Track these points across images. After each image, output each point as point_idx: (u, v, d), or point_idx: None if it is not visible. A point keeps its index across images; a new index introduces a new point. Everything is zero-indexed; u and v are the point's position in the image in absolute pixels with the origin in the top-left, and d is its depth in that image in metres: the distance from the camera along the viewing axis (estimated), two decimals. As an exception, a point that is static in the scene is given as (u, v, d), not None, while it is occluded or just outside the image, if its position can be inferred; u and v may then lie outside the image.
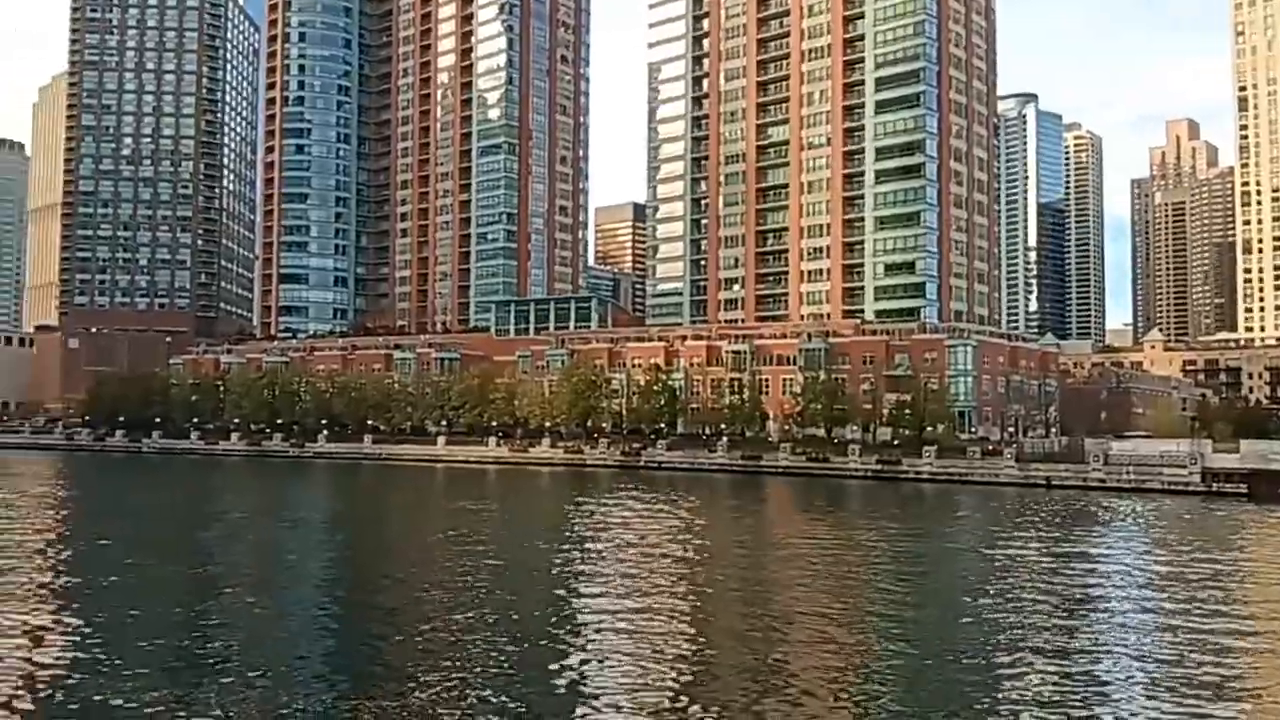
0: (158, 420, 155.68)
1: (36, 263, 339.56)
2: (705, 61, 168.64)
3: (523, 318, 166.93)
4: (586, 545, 41.28)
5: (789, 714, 16.79)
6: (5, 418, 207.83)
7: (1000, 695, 19.61)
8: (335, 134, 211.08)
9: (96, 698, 16.81)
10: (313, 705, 17.06)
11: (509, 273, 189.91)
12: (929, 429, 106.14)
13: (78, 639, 22.52)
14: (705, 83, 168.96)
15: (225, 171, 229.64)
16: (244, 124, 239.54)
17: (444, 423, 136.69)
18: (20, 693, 18.33)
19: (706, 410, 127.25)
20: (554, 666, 19.70)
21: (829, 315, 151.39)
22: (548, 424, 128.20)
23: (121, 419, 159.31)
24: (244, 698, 16.96)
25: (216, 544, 44.87)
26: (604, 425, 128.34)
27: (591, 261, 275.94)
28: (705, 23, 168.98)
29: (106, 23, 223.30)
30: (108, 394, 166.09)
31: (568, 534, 46.70)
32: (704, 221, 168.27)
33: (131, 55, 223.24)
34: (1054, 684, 20.69)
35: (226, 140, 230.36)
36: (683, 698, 17.92)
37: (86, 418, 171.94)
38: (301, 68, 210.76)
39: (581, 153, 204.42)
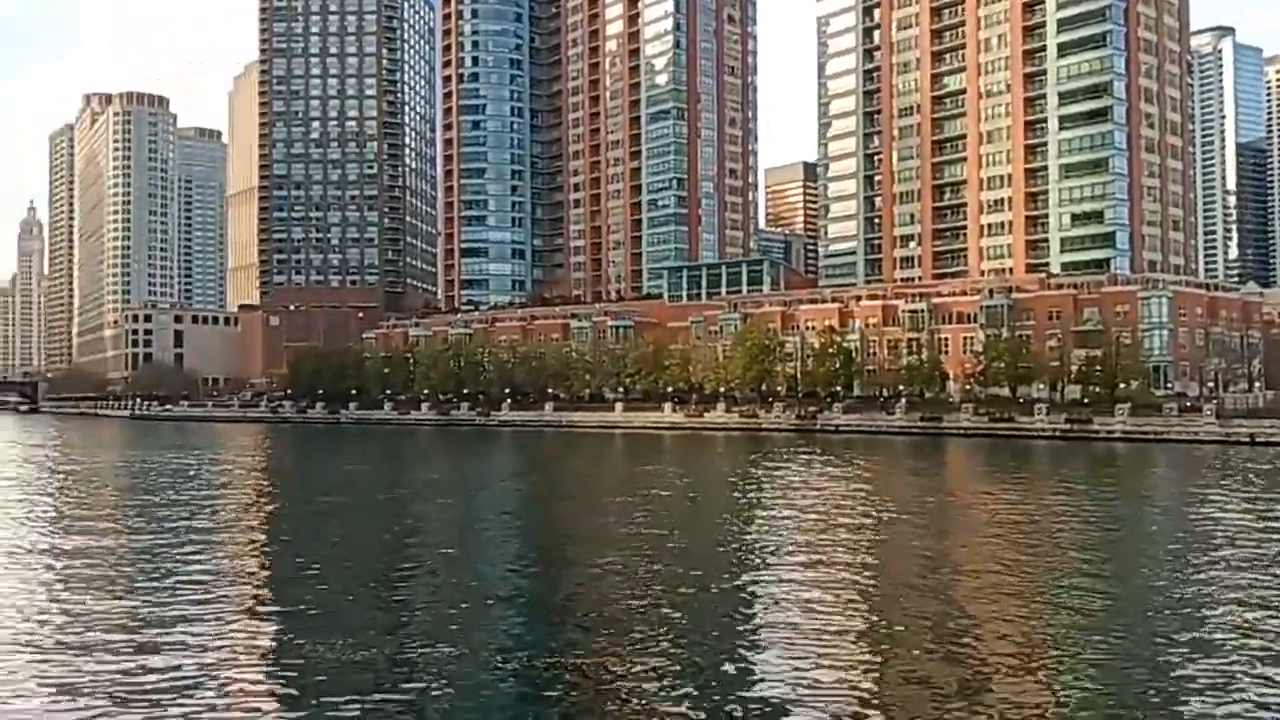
0: (354, 392, 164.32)
1: (237, 245, 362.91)
2: (876, 12, 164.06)
3: (694, 283, 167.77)
4: (764, 509, 41.18)
5: (982, 698, 16.36)
6: (216, 392, 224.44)
7: (1214, 689, 17.62)
8: (509, 108, 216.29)
9: (308, 651, 18.07)
10: (509, 663, 17.75)
11: (680, 238, 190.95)
12: (1121, 386, 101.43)
13: (295, 598, 24.10)
14: (876, 34, 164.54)
15: (407, 150, 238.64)
16: (423, 102, 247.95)
17: (620, 389, 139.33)
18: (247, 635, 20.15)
19: (883, 372, 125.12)
20: (734, 634, 19.79)
21: (1011, 270, 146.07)
22: (722, 389, 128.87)
23: (320, 391, 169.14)
24: (438, 658, 17.89)
25: (413, 507, 46.92)
26: (778, 389, 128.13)
27: (762, 224, 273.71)
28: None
29: (293, 11, 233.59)
30: (306, 368, 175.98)
31: (745, 498, 46.75)
32: (877, 178, 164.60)
33: (316, 40, 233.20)
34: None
35: (407, 119, 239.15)
36: (870, 674, 17.67)
37: (288, 391, 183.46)
38: (475, 44, 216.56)
39: (750, 114, 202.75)
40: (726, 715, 15.39)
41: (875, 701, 16.05)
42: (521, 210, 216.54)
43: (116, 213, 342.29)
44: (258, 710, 15.65)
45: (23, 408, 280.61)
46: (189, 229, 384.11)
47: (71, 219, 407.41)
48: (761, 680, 16.91)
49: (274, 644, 19.62)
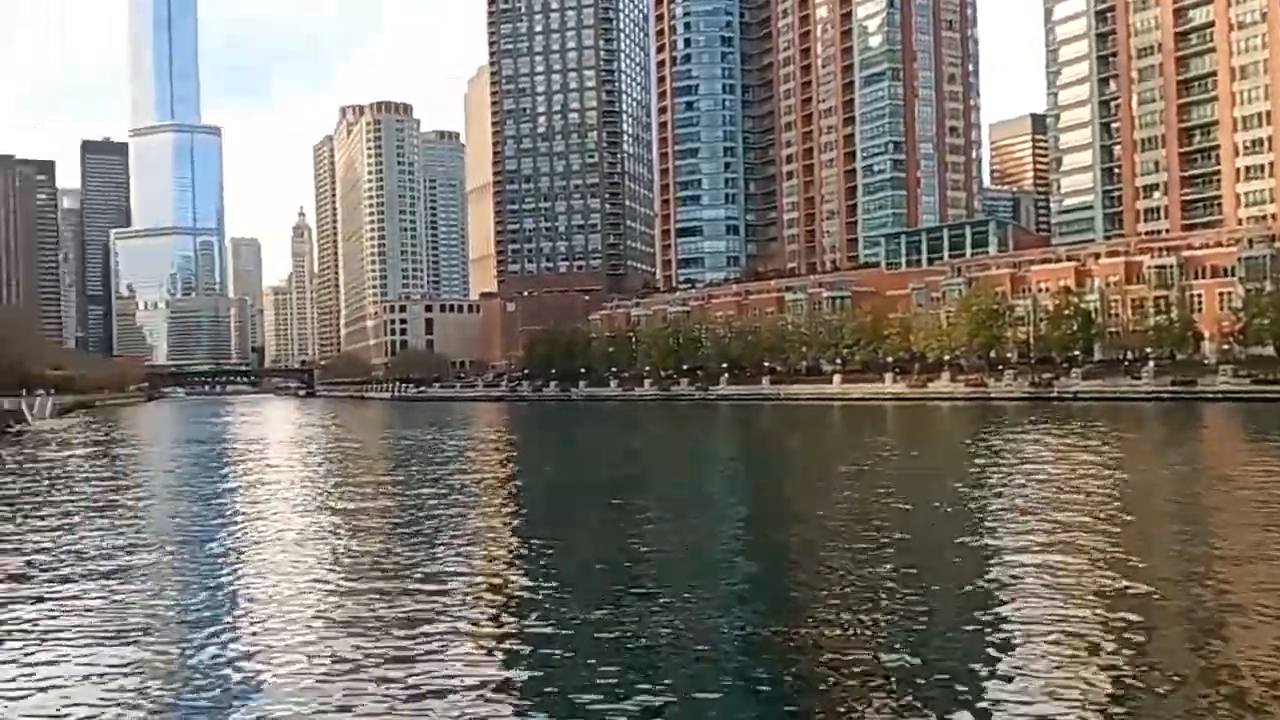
0: (582, 371, 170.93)
1: (476, 238, 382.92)
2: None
3: (914, 249, 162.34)
4: (1006, 485, 37.81)
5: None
6: (463, 374, 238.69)
7: None
8: (721, 85, 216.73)
9: (552, 615, 18.04)
10: (733, 627, 17.18)
11: (897, 204, 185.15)
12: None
13: (543, 557, 24.47)
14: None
15: (624, 136, 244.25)
16: (639, 88, 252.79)
17: (838, 360, 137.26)
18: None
19: (1127, 333, 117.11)
20: (967, 620, 18.06)
21: (1274, 216, 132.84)
22: (946, 357, 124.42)
23: (553, 370, 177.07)
24: (672, 619, 17.31)
25: (651, 476, 47.06)
26: (1008, 355, 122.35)
27: (987, 182, 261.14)
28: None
29: (516, 12, 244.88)
30: (540, 350, 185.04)
31: (978, 471, 43.37)
32: (1115, 125, 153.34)
33: (539, 39, 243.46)
34: None
35: (624, 106, 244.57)
36: (1124, 672, 15.30)
37: (525, 371, 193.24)
38: (687, 25, 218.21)
39: (971, 68, 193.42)
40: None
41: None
42: (735, 186, 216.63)
43: (372, 214, 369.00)
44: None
45: (301, 392, 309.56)
46: (434, 225, 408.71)
47: (335, 222, 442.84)
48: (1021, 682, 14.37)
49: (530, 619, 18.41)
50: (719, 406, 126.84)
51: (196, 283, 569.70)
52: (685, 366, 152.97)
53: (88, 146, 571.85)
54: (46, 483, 45.84)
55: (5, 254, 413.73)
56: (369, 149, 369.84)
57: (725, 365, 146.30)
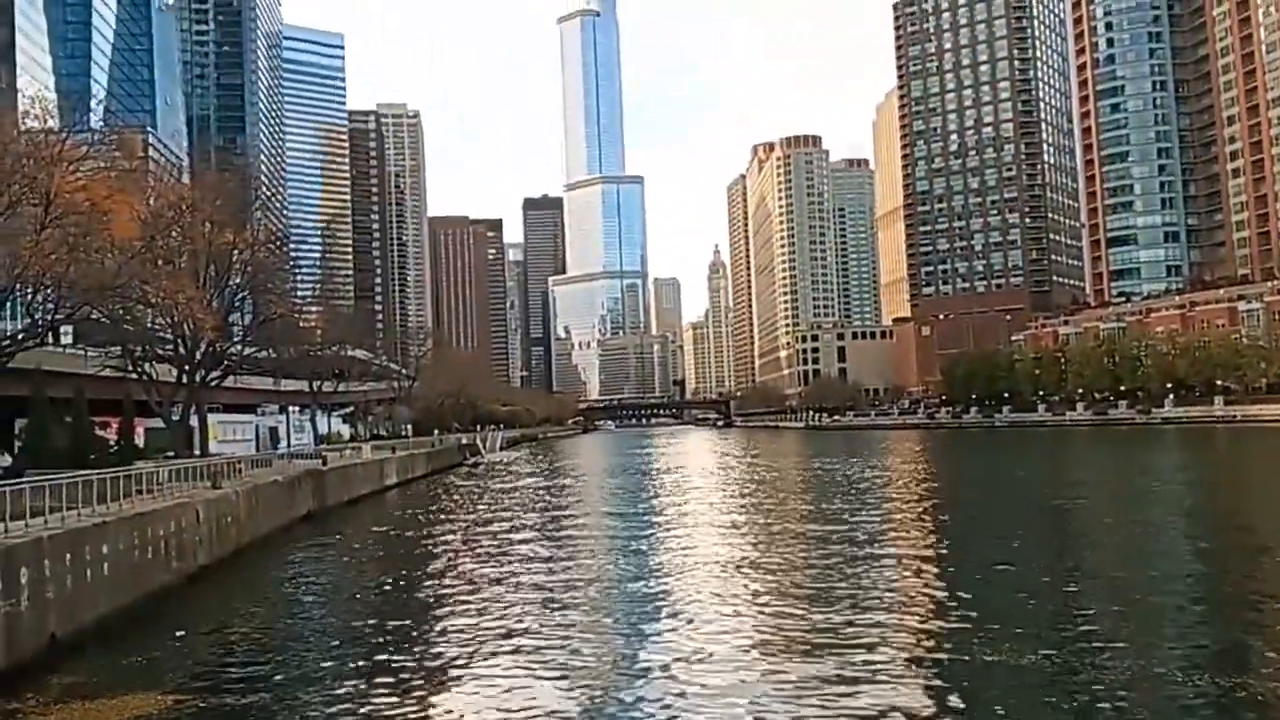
0: (1006, 395, 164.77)
1: (886, 263, 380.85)
2: None
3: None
4: None
5: None
6: (877, 401, 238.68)
7: None
8: (1150, 84, 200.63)
9: (976, 655, 18.67)
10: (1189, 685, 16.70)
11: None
12: None
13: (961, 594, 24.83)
14: None
15: (1044, 146, 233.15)
16: (1057, 95, 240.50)
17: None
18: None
19: None
20: None
21: None
22: None
23: (973, 396, 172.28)
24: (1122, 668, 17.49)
25: (1088, 515, 43.04)
26: None
27: None
28: None
29: (925, 33, 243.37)
30: (958, 374, 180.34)
31: None
32: None
33: (949, 57, 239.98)
34: None
35: (1042, 115, 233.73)
36: None
37: (943, 397, 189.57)
38: (1108, 25, 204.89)
39: None
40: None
41: None
42: (1171, 190, 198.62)
43: (784, 246, 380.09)
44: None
45: (719, 423, 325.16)
46: (844, 252, 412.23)
47: (748, 256, 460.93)
48: None
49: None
50: (1165, 431, 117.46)
51: (624, 322, 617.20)
52: (1123, 388, 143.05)
53: (529, 203, 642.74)
54: (497, 507, 54.22)
55: (462, 304, 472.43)
56: (779, 183, 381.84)
57: (1169, 385, 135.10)
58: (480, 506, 56.34)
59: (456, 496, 65.14)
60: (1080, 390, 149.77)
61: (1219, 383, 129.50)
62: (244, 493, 38.08)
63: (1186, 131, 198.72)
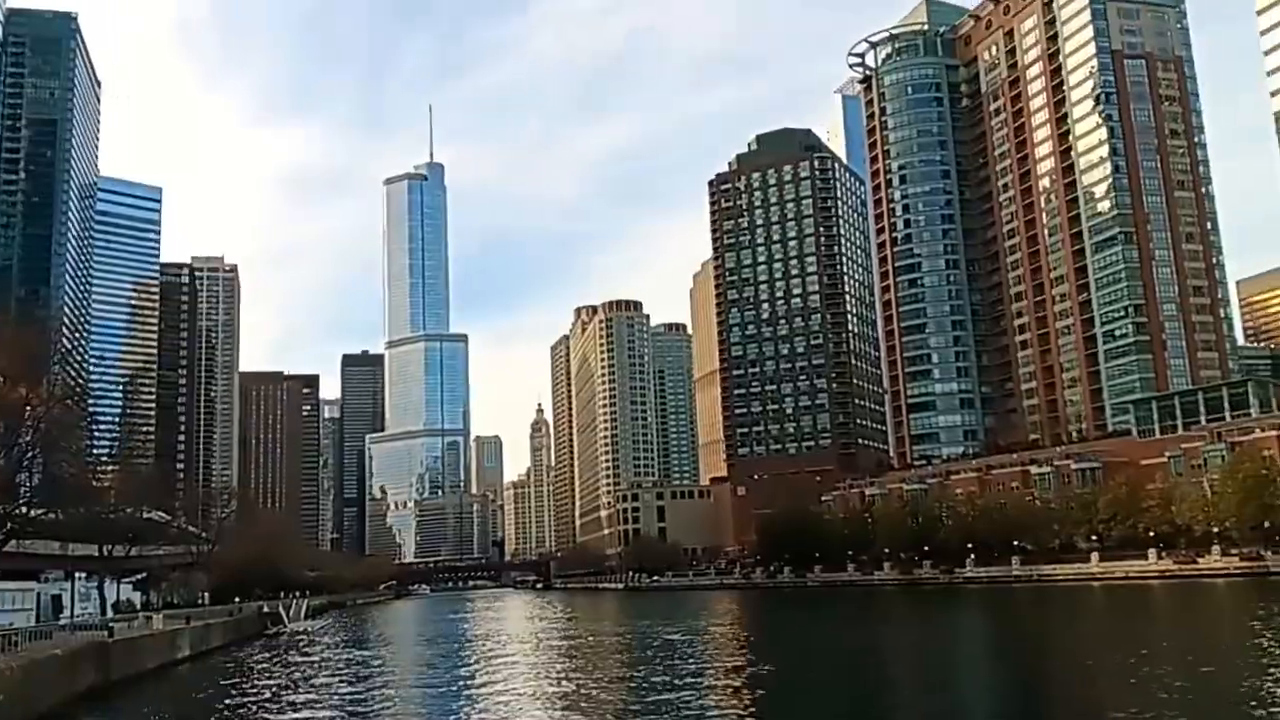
0: (817, 555, 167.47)
1: (704, 423, 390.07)
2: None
3: (1167, 414, 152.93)
4: None
5: None
6: (695, 561, 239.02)
7: None
8: (944, 262, 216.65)
9: None
10: None
11: (1143, 368, 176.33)
12: None
13: None
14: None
15: (849, 317, 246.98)
16: (860, 269, 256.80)
17: (1093, 537, 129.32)
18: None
19: None
20: None
21: None
22: (1215, 529, 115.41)
23: (787, 556, 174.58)
24: None
25: (918, 676, 44.78)
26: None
27: (1240, 341, 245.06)
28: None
29: (739, 209, 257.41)
30: (772, 534, 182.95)
31: None
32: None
33: (761, 232, 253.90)
34: None
35: (846, 289, 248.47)
36: None
37: (759, 556, 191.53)
38: (906, 208, 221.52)
39: (1209, 225, 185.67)
40: None
41: None
42: (967, 360, 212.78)
43: (606, 405, 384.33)
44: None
45: (538, 585, 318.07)
46: (664, 413, 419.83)
47: (570, 415, 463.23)
48: None
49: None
50: (967, 591, 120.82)
51: (443, 481, 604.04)
52: (926, 548, 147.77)
53: (348, 360, 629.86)
54: (293, 681, 51.78)
55: (272, 462, 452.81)
56: (601, 344, 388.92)
57: (970, 545, 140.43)
58: (274, 682, 52.56)
59: (251, 668, 61.87)
60: (887, 550, 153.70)
61: (1016, 543, 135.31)
62: (18, 667, 35.60)
63: (979, 306, 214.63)
